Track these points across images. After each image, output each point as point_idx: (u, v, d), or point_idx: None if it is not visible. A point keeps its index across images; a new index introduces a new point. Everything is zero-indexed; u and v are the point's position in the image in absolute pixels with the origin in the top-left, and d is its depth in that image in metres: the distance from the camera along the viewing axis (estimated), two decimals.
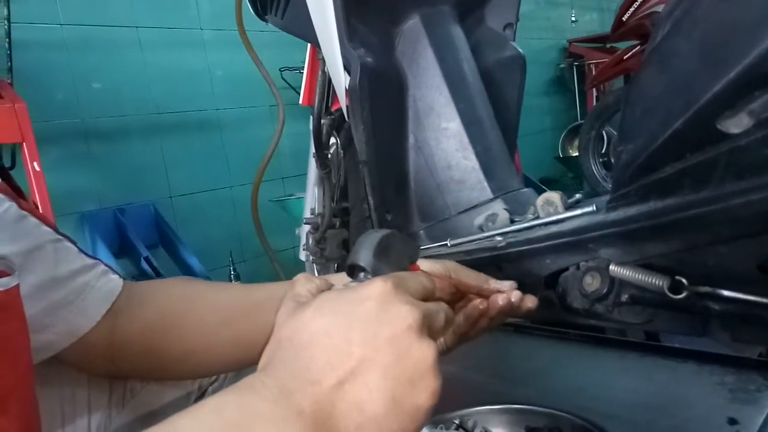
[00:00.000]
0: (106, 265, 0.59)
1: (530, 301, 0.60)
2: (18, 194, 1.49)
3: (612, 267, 0.60)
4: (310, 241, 1.40)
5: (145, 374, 0.62)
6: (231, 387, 0.34)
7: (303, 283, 0.45)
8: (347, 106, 0.95)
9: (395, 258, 0.47)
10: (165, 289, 0.64)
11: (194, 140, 2.46)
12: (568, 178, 3.97)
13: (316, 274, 1.55)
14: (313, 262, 1.44)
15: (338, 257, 1.34)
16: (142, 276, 1.93)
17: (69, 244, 0.56)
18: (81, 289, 0.54)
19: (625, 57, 2.78)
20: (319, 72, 1.17)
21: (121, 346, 0.57)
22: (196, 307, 0.61)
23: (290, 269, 2.08)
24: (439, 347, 0.59)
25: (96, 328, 0.55)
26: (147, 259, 1.95)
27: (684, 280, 0.54)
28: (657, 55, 0.57)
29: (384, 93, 0.95)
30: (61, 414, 0.58)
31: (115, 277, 0.59)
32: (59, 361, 0.56)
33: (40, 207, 1.36)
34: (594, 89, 4.08)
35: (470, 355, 1.58)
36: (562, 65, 4.47)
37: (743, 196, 0.46)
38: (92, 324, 0.54)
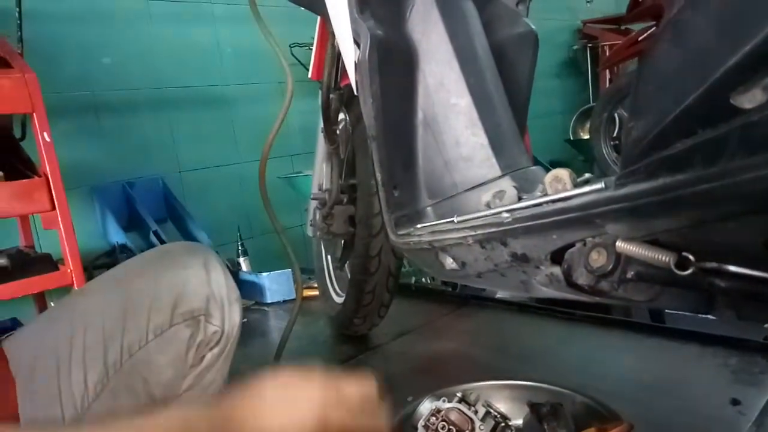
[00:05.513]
0: None
1: None
2: (28, 166, 1.50)
3: (618, 243, 0.59)
4: (317, 216, 1.40)
5: None
6: None
7: None
8: (356, 80, 0.94)
9: None
10: None
11: (203, 115, 2.46)
12: (579, 162, 3.94)
13: (323, 249, 1.56)
14: (319, 238, 1.45)
15: (344, 233, 1.34)
16: None
17: None
18: None
19: (640, 38, 2.74)
20: (329, 45, 1.16)
21: None
22: None
23: (298, 246, 2.09)
24: None
25: None
26: (156, 233, 1.97)
27: (691, 257, 0.54)
28: (671, 29, 0.56)
29: (394, 67, 0.94)
30: (57, 368, 0.62)
31: None
32: (53, 318, 0.58)
33: (50, 178, 1.37)
34: (607, 71, 4.02)
35: (474, 332, 1.59)
36: (575, 47, 4.40)
37: (753, 171, 0.45)
38: None
